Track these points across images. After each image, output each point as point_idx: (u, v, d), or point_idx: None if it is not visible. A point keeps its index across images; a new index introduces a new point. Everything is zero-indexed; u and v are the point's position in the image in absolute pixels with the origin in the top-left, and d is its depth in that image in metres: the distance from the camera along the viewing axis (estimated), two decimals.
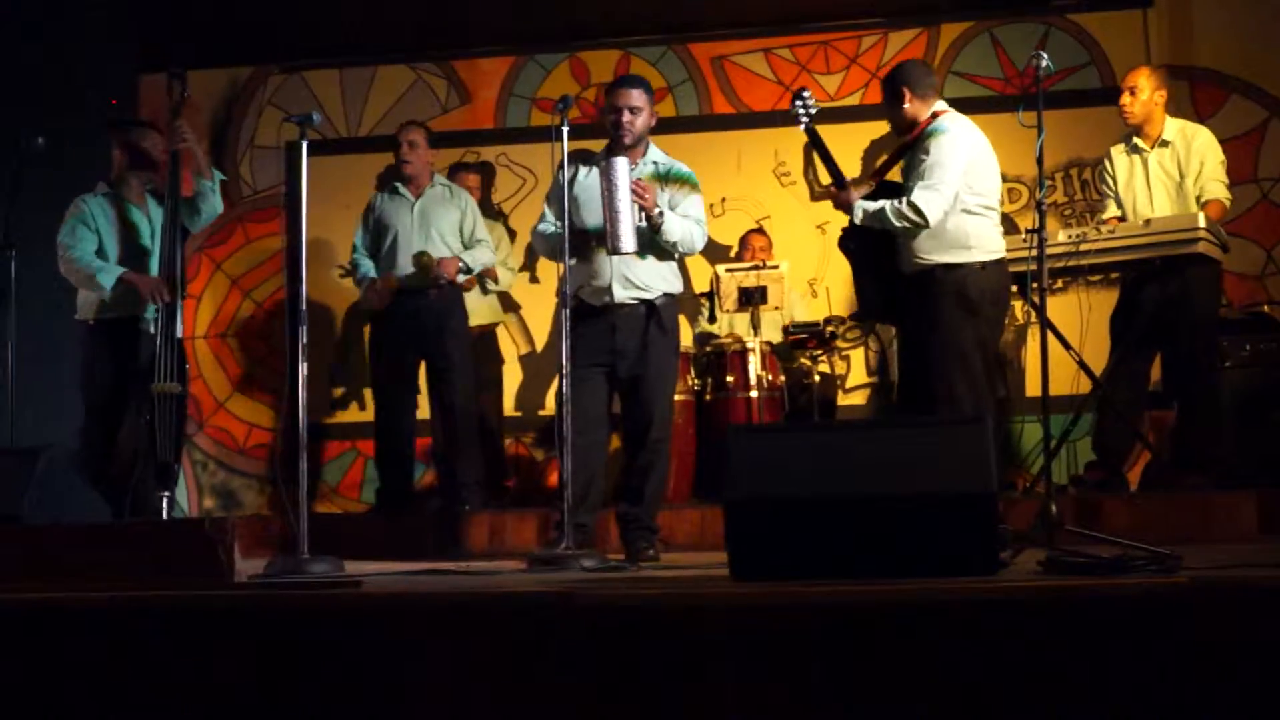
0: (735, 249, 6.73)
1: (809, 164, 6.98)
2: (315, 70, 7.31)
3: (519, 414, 6.93)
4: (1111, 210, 5.43)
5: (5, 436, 5.01)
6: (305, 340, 4.05)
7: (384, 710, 2.70)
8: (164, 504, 4.68)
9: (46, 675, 2.81)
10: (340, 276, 7.09)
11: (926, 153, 4.50)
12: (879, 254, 4.66)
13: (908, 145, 4.64)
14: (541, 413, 6.93)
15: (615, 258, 4.46)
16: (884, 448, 3.08)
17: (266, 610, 2.83)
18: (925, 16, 6.94)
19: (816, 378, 6.07)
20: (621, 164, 4.41)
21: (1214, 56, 6.65)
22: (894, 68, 4.89)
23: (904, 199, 4.48)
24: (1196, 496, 5.05)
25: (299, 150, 4.18)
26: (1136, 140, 5.41)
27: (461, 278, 5.79)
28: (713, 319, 6.44)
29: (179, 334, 4.84)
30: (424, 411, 5.97)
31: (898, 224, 4.50)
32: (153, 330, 4.84)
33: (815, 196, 6.95)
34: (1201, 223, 5.08)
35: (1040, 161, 4.02)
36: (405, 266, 5.74)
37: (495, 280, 6.44)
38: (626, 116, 4.53)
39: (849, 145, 6.50)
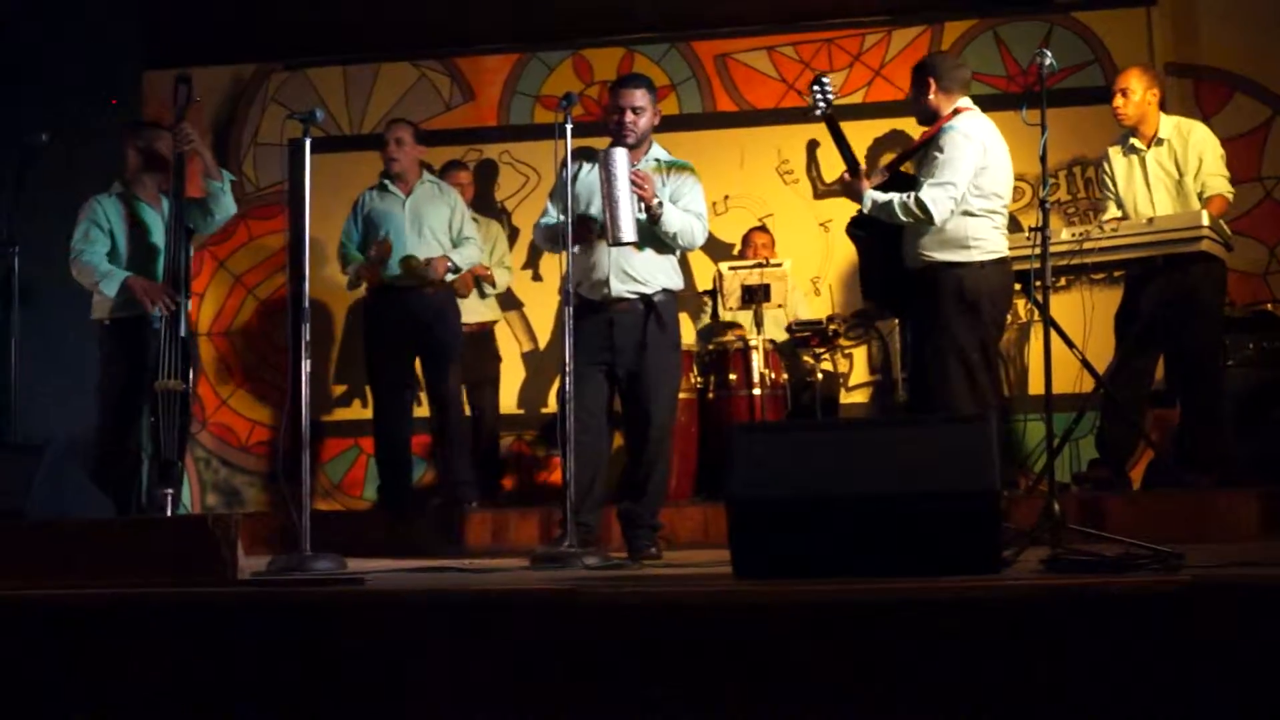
0: (738, 247, 6.72)
1: (812, 162, 6.98)
2: (318, 67, 7.31)
3: (521, 412, 6.94)
4: (1112, 211, 5.42)
5: (12, 432, 5.03)
6: (308, 337, 4.05)
7: (387, 708, 2.70)
8: (167, 501, 4.69)
9: (49, 672, 2.82)
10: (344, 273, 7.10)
11: (941, 150, 4.51)
12: (886, 244, 4.67)
13: (925, 138, 4.65)
14: (544, 410, 6.93)
15: (614, 251, 4.46)
16: (887, 446, 3.07)
17: (269, 608, 2.83)
18: (929, 14, 6.94)
19: (819, 376, 6.07)
20: (620, 154, 4.41)
21: (1218, 54, 6.64)
22: (925, 57, 4.91)
23: (912, 195, 4.49)
24: (1199, 495, 5.05)
25: (302, 147, 4.18)
26: (1133, 140, 5.40)
27: (450, 276, 5.78)
28: (715, 317, 6.45)
29: (183, 332, 4.85)
30: (424, 408, 5.98)
31: (904, 218, 4.52)
32: (158, 329, 4.88)
33: (818, 194, 6.95)
34: (1205, 221, 5.07)
35: (1043, 160, 4.02)
36: (397, 264, 5.75)
37: (493, 284, 6.45)
38: (630, 116, 4.53)
39: (852, 142, 6.47)
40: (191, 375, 4.92)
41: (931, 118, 4.66)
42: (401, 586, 3.22)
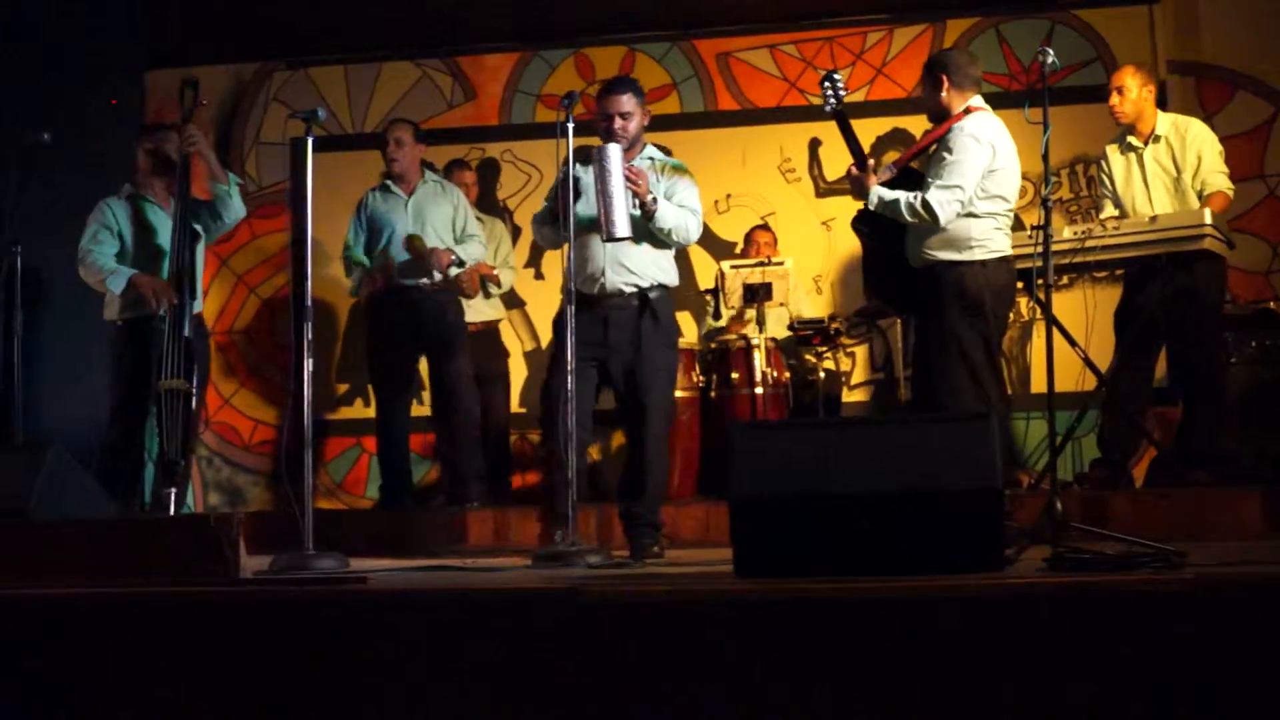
0: (740, 245, 6.72)
1: (814, 160, 6.98)
2: (320, 67, 7.31)
3: (523, 410, 6.93)
4: (1109, 210, 5.40)
5: (15, 432, 5.04)
6: (310, 336, 4.05)
7: (389, 706, 2.70)
8: (170, 500, 4.70)
9: (52, 670, 2.82)
10: (346, 272, 7.10)
11: (950, 150, 4.50)
12: (889, 241, 4.67)
13: (935, 136, 4.64)
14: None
15: (609, 245, 4.46)
16: (889, 444, 3.08)
17: (271, 606, 2.83)
18: (931, 12, 6.93)
19: (821, 374, 6.08)
20: (614, 150, 4.42)
21: (1220, 52, 6.63)
22: (939, 52, 4.90)
23: (919, 196, 4.48)
24: (1202, 493, 5.04)
25: (304, 146, 4.17)
26: (1130, 138, 5.39)
27: (454, 270, 5.78)
28: (717, 316, 6.45)
29: (188, 332, 4.87)
30: (428, 407, 5.98)
31: (909, 218, 4.52)
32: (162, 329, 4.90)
33: (820, 193, 6.95)
34: (1207, 219, 5.07)
35: (1046, 158, 4.02)
36: (402, 246, 5.75)
37: (498, 284, 6.45)
38: (618, 123, 4.53)
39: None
40: (197, 375, 4.93)
41: (942, 115, 4.64)
42: (404, 585, 3.22)
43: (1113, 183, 5.43)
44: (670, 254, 4.65)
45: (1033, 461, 6.18)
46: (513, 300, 6.91)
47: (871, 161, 4.69)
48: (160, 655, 2.79)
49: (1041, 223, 4.04)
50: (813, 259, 6.87)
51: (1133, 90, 5.32)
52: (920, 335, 4.77)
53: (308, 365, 4.04)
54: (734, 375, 5.96)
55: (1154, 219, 5.17)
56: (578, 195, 4.50)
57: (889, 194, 4.56)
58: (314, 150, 4.18)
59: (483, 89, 7.26)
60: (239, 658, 2.77)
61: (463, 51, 7.27)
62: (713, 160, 6.99)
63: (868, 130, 6.72)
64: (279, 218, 7.23)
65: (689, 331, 6.74)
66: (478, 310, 6.24)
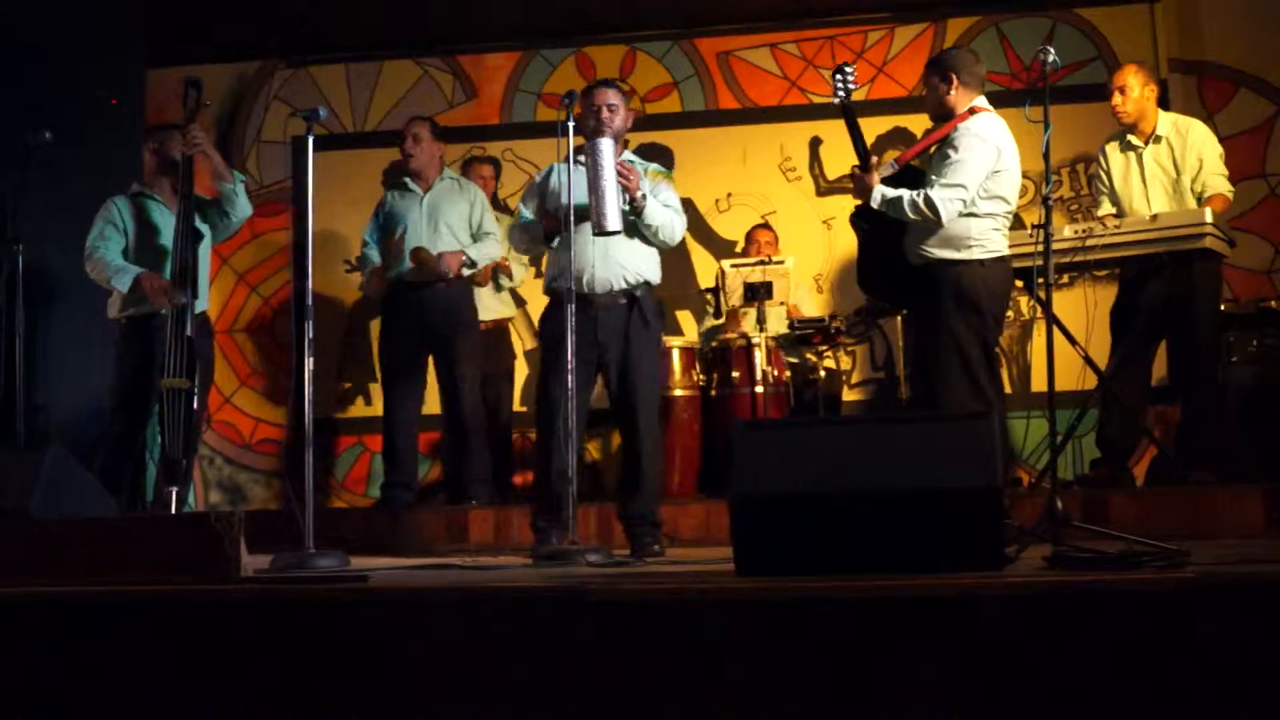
0: (741, 244, 6.72)
1: (814, 159, 6.98)
2: (321, 65, 7.31)
3: (524, 409, 6.94)
4: (1105, 207, 5.40)
5: (16, 430, 5.04)
6: (312, 335, 4.06)
7: (390, 705, 2.71)
8: (172, 499, 4.70)
9: (53, 670, 2.82)
10: (347, 271, 7.10)
11: (955, 149, 4.51)
12: (887, 237, 4.67)
13: (938, 136, 4.64)
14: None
15: (598, 241, 4.46)
16: (889, 443, 3.07)
17: (272, 605, 2.83)
18: (931, 11, 6.93)
19: (822, 373, 6.07)
20: (606, 144, 4.43)
21: (1222, 50, 6.63)
22: (945, 50, 4.91)
23: (922, 194, 4.49)
24: (1203, 492, 5.04)
25: (305, 145, 4.18)
26: (1130, 137, 5.38)
27: (466, 271, 5.78)
28: (718, 314, 6.45)
29: (189, 331, 4.87)
30: (432, 406, 5.98)
31: (911, 216, 4.52)
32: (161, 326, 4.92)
33: (821, 191, 6.96)
34: (1208, 217, 5.07)
35: (1047, 157, 4.01)
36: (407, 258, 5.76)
37: (510, 276, 6.45)
38: (605, 114, 4.55)
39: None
40: (200, 374, 4.93)
41: (946, 114, 4.64)
42: (405, 584, 3.22)
43: (1110, 180, 5.42)
44: (656, 253, 4.67)
45: (1033, 460, 6.18)
46: (518, 300, 6.91)
47: (875, 159, 4.69)
48: (161, 654, 2.79)
49: (1042, 221, 4.04)
50: (813, 258, 6.87)
51: (1135, 89, 5.31)
52: (918, 334, 4.78)
53: (309, 364, 4.05)
54: (734, 374, 5.96)
55: (1155, 217, 5.17)
56: (554, 195, 4.53)
57: (891, 192, 4.56)
58: (315, 149, 4.18)
59: (484, 88, 7.27)
60: (240, 656, 2.77)
61: (464, 50, 7.27)
62: (713, 159, 7.00)
63: (869, 129, 6.65)
64: (280, 216, 7.24)
65: (689, 330, 6.75)
66: (488, 308, 6.24)
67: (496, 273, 6.30)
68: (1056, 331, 4.15)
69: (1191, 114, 6.02)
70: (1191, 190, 5.29)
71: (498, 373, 6.42)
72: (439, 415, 5.98)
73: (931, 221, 4.49)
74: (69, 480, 3.82)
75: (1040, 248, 4.05)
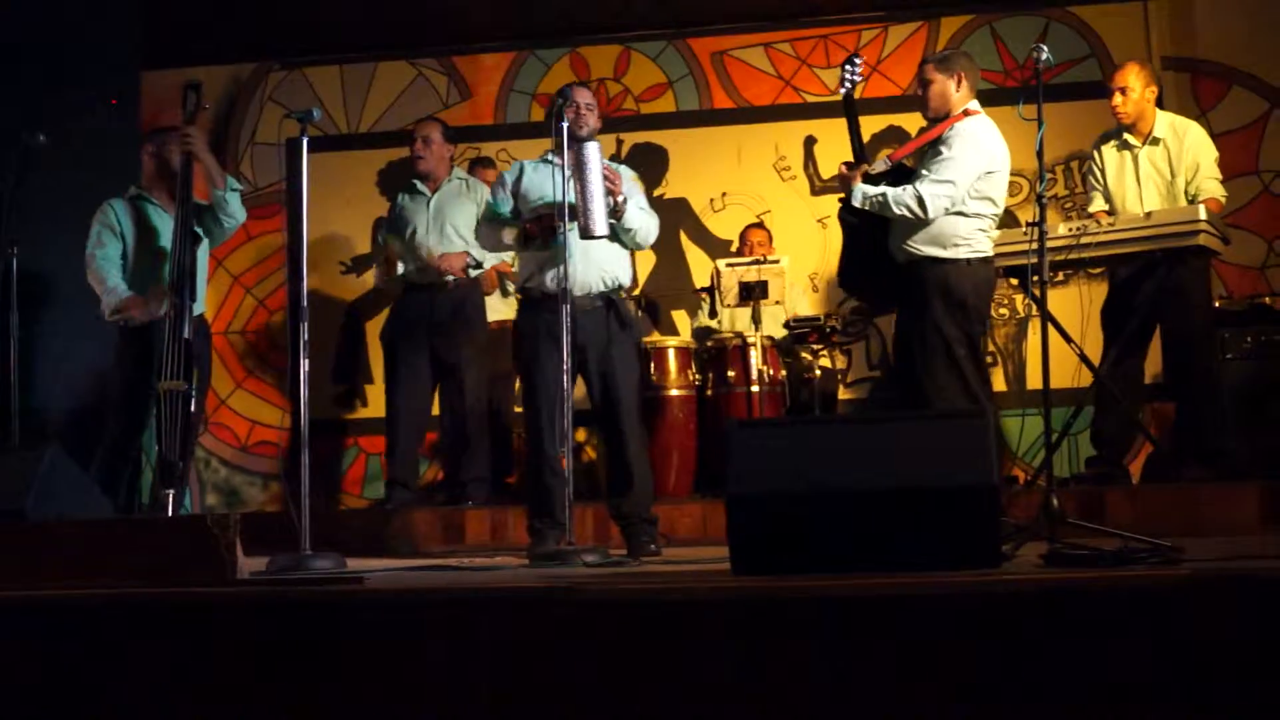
0: (735, 244, 6.73)
1: (809, 158, 6.98)
2: (316, 67, 7.31)
3: (519, 409, 6.94)
4: (1098, 204, 5.39)
5: (12, 432, 5.04)
6: (307, 337, 4.06)
7: (387, 706, 2.71)
8: (169, 502, 4.70)
9: (49, 672, 2.82)
10: (343, 272, 7.10)
11: (949, 147, 4.53)
12: (874, 233, 4.69)
13: (933, 134, 4.66)
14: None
15: (580, 244, 4.46)
16: (885, 441, 3.08)
17: (269, 607, 2.83)
18: (925, 9, 6.94)
19: (817, 372, 6.08)
20: (593, 149, 4.44)
21: (1215, 48, 6.64)
22: (954, 51, 4.94)
23: (909, 188, 4.50)
24: (1198, 489, 5.05)
25: (300, 146, 4.18)
26: (1127, 137, 5.38)
27: (473, 272, 5.79)
28: (713, 314, 6.45)
29: (187, 334, 4.87)
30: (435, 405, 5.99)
31: (897, 211, 4.54)
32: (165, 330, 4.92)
33: (816, 191, 6.96)
34: (1202, 214, 5.07)
35: (1040, 155, 4.02)
36: (420, 260, 5.78)
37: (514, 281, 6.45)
38: (583, 112, 4.55)
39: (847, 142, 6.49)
40: (197, 377, 4.93)
41: (944, 113, 4.67)
42: (401, 585, 3.22)
43: (1104, 179, 5.42)
44: (629, 255, 4.72)
45: (1029, 458, 6.19)
46: None
47: (865, 166, 4.71)
48: (158, 656, 2.79)
49: (1037, 219, 4.05)
50: (808, 257, 6.87)
51: (1136, 90, 5.29)
52: (902, 332, 4.78)
53: (304, 366, 4.05)
54: (730, 373, 5.97)
55: (1149, 214, 5.17)
56: (525, 198, 4.54)
57: (872, 189, 4.59)
58: (309, 150, 4.18)
59: (478, 88, 7.26)
60: (237, 658, 2.77)
61: (458, 51, 7.27)
62: (708, 158, 7.00)
63: (863, 128, 6.70)
64: (274, 218, 7.23)
65: (685, 330, 6.75)
66: (494, 309, 6.24)
67: (502, 278, 6.31)
68: (1051, 329, 4.15)
69: (1185, 111, 6.04)
70: (1186, 194, 5.29)
71: (502, 374, 6.43)
72: (437, 415, 5.99)
73: (917, 216, 4.50)
74: (65, 482, 3.82)
75: (1035, 245, 4.05)
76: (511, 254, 6.25)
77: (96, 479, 4.49)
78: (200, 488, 7.11)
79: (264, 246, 7.24)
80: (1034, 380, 6.24)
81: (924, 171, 4.57)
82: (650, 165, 6.98)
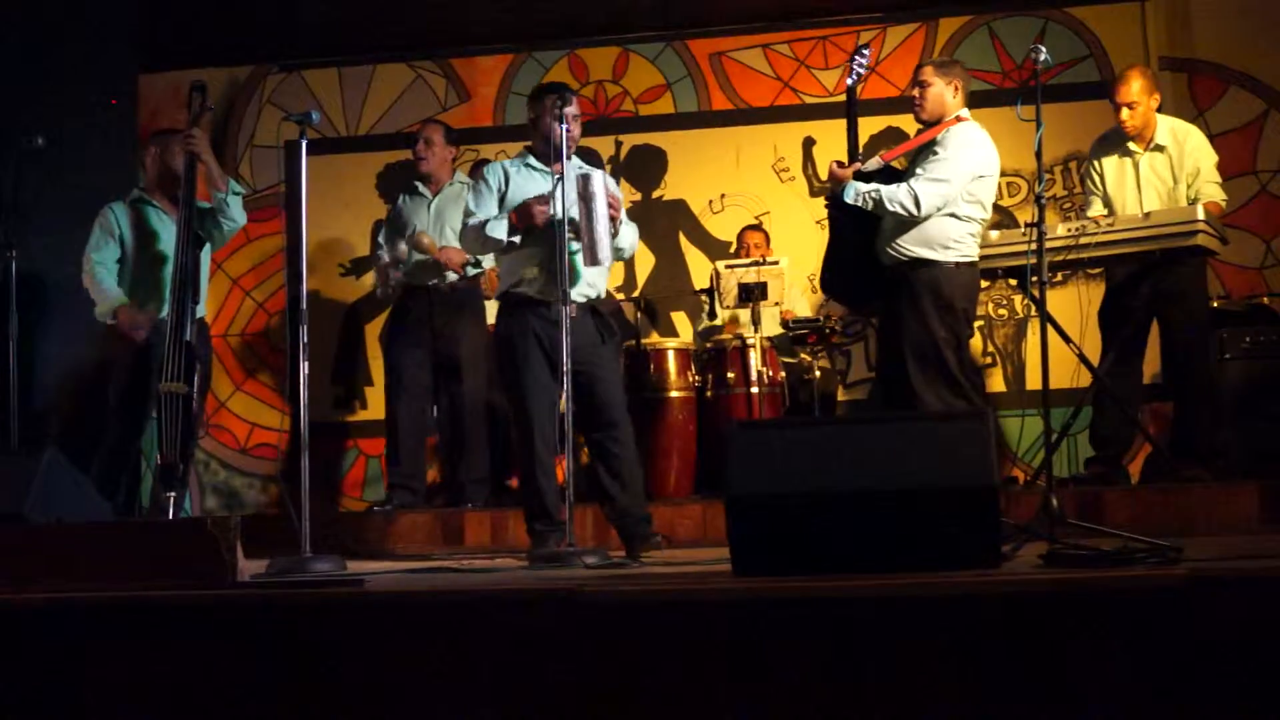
0: (734, 245, 6.73)
1: (808, 159, 6.99)
2: (314, 69, 7.31)
3: None
4: (1096, 209, 5.38)
5: (11, 435, 5.04)
6: (306, 339, 4.06)
7: (387, 708, 2.71)
8: (170, 504, 4.70)
9: (49, 674, 2.82)
10: (342, 275, 7.10)
11: (945, 148, 4.57)
12: (861, 229, 4.71)
13: (927, 137, 4.70)
14: None
15: (574, 257, 4.49)
16: (885, 442, 3.08)
17: (269, 609, 2.83)
18: (923, 10, 6.94)
19: (817, 373, 6.08)
20: (598, 179, 4.46)
21: (1212, 48, 6.64)
22: (952, 59, 4.99)
23: (902, 185, 4.53)
24: (1197, 489, 5.05)
25: (298, 149, 4.19)
26: (1129, 143, 5.37)
27: (472, 271, 5.80)
28: (713, 315, 6.45)
29: (188, 336, 4.88)
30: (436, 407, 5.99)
31: (889, 208, 4.57)
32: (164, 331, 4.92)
33: (814, 192, 6.96)
34: (1200, 214, 5.07)
35: (1039, 155, 4.03)
36: (418, 261, 5.78)
37: None
38: (570, 122, 4.54)
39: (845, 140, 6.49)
40: (198, 379, 4.93)
41: (938, 118, 4.73)
42: (401, 588, 3.22)
43: (1103, 182, 5.42)
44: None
45: (1029, 458, 6.20)
46: None
47: (859, 164, 4.74)
48: (158, 659, 2.79)
49: (1036, 219, 4.06)
50: (807, 258, 6.86)
51: (1142, 104, 5.23)
52: (888, 334, 4.80)
53: (304, 368, 4.05)
54: (730, 375, 5.97)
55: (1147, 215, 5.17)
56: (513, 204, 4.53)
57: (865, 187, 4.62)
58: (308, 153, 4.19)
59: (476, 90, 7.26)
60: (237, 661, 2.77)
61: (456, 53, 7.27)
62: (707, 160, 7.01)
63: (861, 129, 6.70)
64: (273, 221, 7.23)
65: (684, 331, 6.75)
66: (494, 311, 6.24)
67: None
68: (1051, 330, 4.16)
69: (1182, 112, 6.05)
70: (1186, 199, 5.29)
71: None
72: (437, 417, 5.99)
73: (909, 213, 4.53)
74: (65, 485, 3.82)
75: (1034, 246, 4.06)
76: None
77: (95, 482, 4.49)
78: (200, 490, 7.11)
79: (263, 249, 7.24)
80: (1033, 381, 6.24)
81: (918, 171, 4.60)
82: (649, 167, 6.99)
